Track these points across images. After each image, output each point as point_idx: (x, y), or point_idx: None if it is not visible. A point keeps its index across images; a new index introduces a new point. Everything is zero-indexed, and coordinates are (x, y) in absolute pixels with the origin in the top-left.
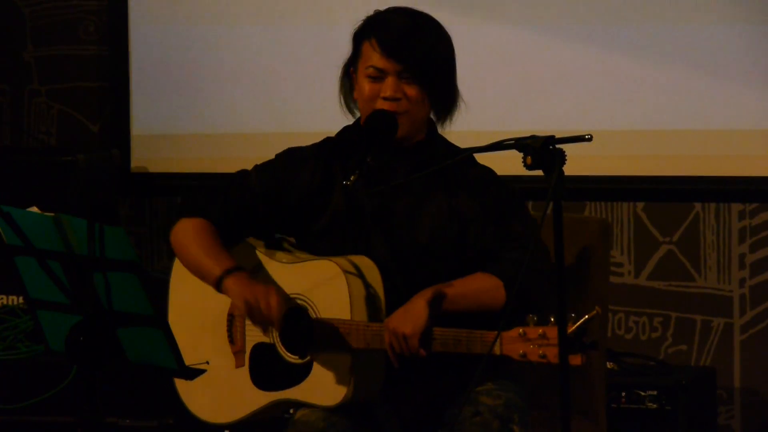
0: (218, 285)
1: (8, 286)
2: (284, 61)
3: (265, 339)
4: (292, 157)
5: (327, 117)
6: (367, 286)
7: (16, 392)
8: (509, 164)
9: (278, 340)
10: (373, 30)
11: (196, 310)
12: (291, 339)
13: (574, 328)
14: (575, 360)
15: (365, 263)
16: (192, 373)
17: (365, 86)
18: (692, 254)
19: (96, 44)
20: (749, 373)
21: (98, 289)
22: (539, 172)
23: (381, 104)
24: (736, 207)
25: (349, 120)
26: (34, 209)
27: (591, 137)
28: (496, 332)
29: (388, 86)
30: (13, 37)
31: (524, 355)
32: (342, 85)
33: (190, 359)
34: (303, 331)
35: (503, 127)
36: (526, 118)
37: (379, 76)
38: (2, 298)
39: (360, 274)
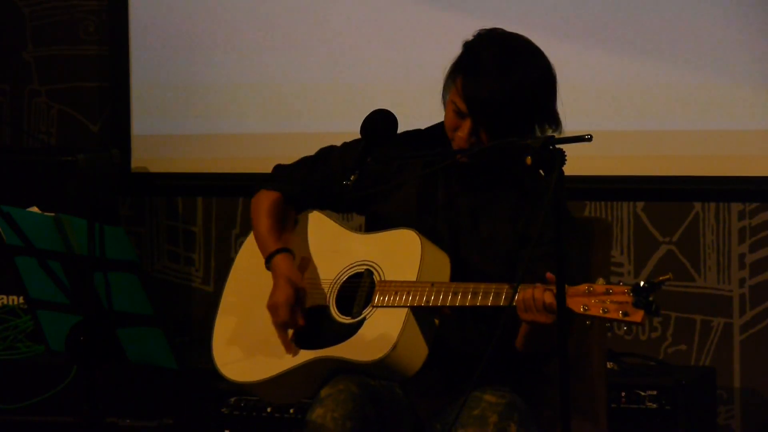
0: (267, 263)
1: (8, 286)
2: (284, 62)
3: (320, 302)
4: None
5: (327, 117)
6: (437, 266)
7: (16, 392)
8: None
9: (333, 302)
10: (462, 68)
11: (257, 276)
12: (348, 303)
13: (644, 281)
14: (636, 316)
15: (441, 253)
16: (193, 373)
17: (448, 115)
18: (692, 254)
19: (96, 44)
20: (749, 373)
21: (98, 289)
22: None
23: (457, 139)
24: (735, 207)
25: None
26: (34, 209)
27: (591, 137)
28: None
29: (465, 128)
30: (13, 37)
31: (587, 308)
32: (445, 85)
33: (240, 322)
34: (361, 294)
35: None
36: None
37: (459, 112)
38: (2, 298)
39: (435, 254)
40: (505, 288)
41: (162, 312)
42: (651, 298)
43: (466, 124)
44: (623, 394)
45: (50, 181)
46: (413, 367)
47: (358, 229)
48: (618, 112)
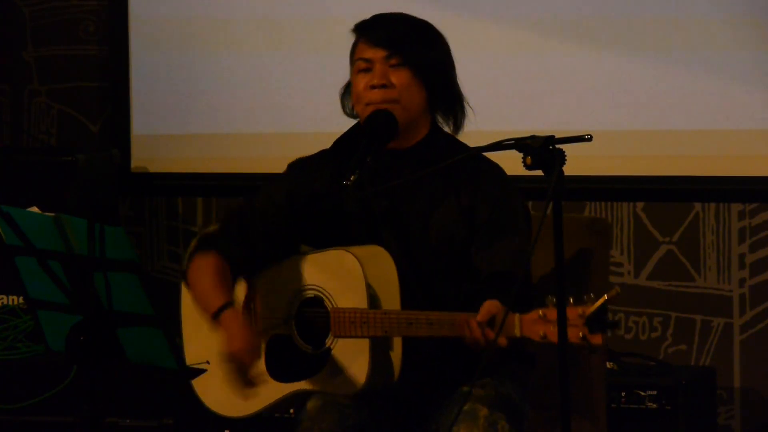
0: (215, 318)
1: (8, 286)
2: (284, 61)
3: (281, 331)
4: (302, 167)
5: (326, 117)
6: (382, 274)
7: (16, 392)
8: (509, 164)
9: (295, 331)
10: (360, 28)
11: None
12: (307, 330)
13: (594, 307)
14: (596, 339)
15: (378, 251)
16: (193, 374)
17: (357, 81)
18: (692, 254)
19: (96, 44)
20: (749, 373)
21: (98, 289)
22: (539, 172)
23: (371, 94)
24: (735, 207)
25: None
26: (34, 209)
27: (591, 137)
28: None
29: (376, 73)
30: (13, 37)
31: (545, 337)
32: (342, 103)
33: (205, 354)
34: (319, 322)
35: (503, 127)
36: (526, 118)
37: (367, 67)
38: (2, 298)
39: (375, 263)
40: (457, 317)
41: (162, 312)
42: (606, 318)
43: (376, 70)
44: (623, 394)
45: (50, 181)
46: (391, 380)
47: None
48: (618, 112)
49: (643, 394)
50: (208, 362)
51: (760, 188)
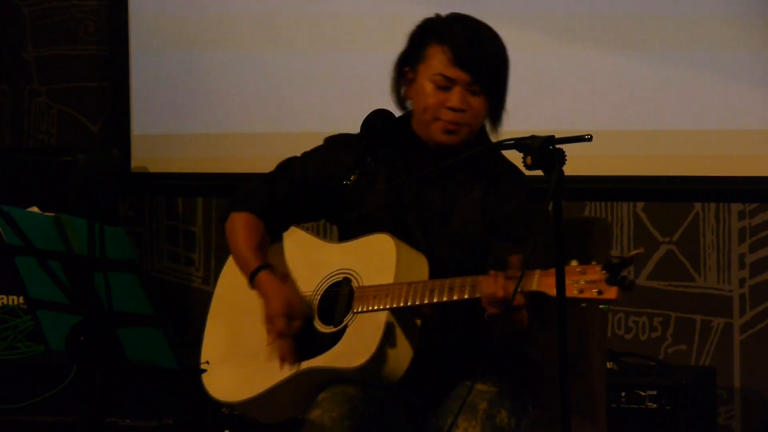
0: (251, 282)
1: (8, 286)
2: (284, 61)
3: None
4: (338, 142)
5: (327, 117)
6: (414, 266)
7: (16, 392)
8: None
9: (316, 312)
10: (444, 37)
11: (241, 297)
12: (331, 311)
13: (618, 260)
14: (611, 293)
15: (418, 255)
16: (192, 373)
17: (430, 93)
18: (692, 254)
19: (96, 44)
20: (749, 373)
21: (98, 289)
22: (539, 172)
23: (446, 114)
24: (735, 207)
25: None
26: (34, 209)
27: (591, 137)
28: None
29: (456, 97)
30: (13, 37)
31: None
32: (394, 82)
33: (226, 343)
34: (343, 302)
35: (503, 126)
36: (526, 118)
37: (447, 85)
38: (2, 298)
39: (410, 256)
40: (478, 278)
41: (162, 312)
42: (624, 274)
43: (456, 93)
44: (623, 394)
45: (50, 181)
46: (399, 369)
47: (332, 240)
48: (618, 112)
49: (643, 394)
50: (208, 362)
51: (760, 188)
